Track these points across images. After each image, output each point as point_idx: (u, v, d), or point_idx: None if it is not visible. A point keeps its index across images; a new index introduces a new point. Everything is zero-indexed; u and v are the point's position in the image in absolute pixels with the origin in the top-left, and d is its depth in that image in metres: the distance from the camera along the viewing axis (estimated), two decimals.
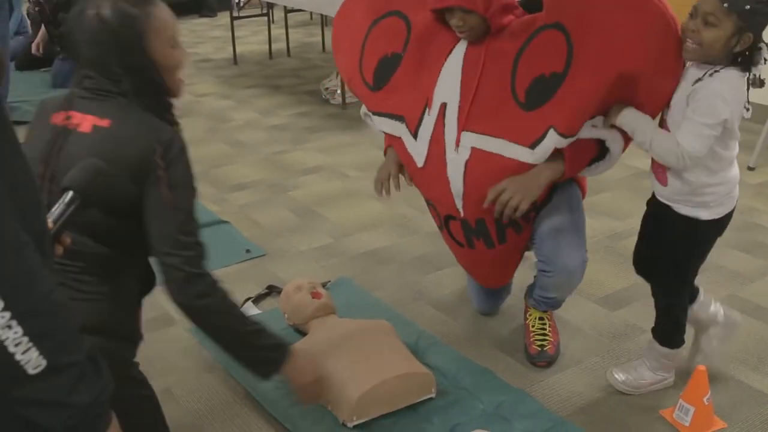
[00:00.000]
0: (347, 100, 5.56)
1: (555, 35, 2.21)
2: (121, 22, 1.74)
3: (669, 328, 2.42)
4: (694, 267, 2.35)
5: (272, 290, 3.10)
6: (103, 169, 1.42)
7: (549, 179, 2.30)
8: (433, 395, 2.39)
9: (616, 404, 2.44)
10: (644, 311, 2.93)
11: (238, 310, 1.88)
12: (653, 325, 2.45)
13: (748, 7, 1.92)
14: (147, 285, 1.99)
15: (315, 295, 2.68)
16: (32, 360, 0.97)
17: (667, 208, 2.22)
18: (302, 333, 2.72)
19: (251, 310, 2.95)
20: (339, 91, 5.66)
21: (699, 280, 2.44)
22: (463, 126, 2.34)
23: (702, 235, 2.26)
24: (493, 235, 2.46)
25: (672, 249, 2.28)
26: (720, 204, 2.18)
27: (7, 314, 0.95)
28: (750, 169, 4.31)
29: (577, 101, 2.19)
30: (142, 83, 1.80)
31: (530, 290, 2.69)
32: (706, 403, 2.28)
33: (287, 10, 7.17)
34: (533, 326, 2.68)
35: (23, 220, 1.01)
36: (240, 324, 1.88)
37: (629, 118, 2.14)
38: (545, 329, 2.67)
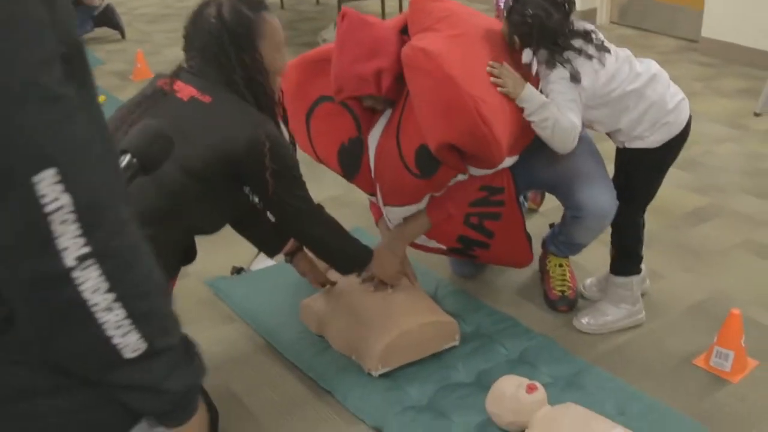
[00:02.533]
0: None
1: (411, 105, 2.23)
2: (238, 21, 1.90)
3: (622, 254, 2.50)
4: (644, 193, 2.44)
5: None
6: (162, 132, 1.36)
7: (413, 235, 2.48)
8: (456, 343, 2.38)
9: (641, 349, 2.43)
10: (660, 255, 2.93)
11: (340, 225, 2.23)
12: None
13: (523, 30, 2.21)
14: (187, 257, 2.09)
15: None
16: (131, 343, 0.91)
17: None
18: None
19: (266, 261, 2.92)
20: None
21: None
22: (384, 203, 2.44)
23: (645, 162, 2.36)
24: (478, 238, 2.50)
25: (619, 176, 2.44)
26: (651, 135, 2.29)
27: (110, 296, 0.88)
28: (756, 115, 4.27)
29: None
30: (250, 79, 1.94)
31: (551, 238, 2.66)
32: (744, 346, 2.28)
33: None
34: (553, 272, 2.66)
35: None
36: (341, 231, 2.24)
37: (534, 94, 2.21)
38: (565, 275, 2.66)
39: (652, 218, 3.15)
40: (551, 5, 2.22)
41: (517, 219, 2.48)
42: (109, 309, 0.88)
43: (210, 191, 1.90)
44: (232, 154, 1.86)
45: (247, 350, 2.47)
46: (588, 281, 2.72)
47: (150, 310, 0.92)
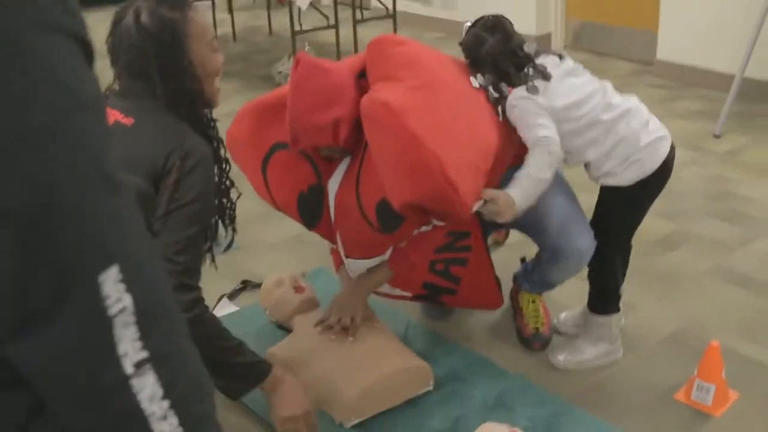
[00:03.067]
0: None
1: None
2: (160, 26, 1.71)
3: (600, 294, 2.43)
4: (620, 232, 2.36)
5: (247, 285, 2.95)
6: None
7: (375, 286, 2.38)
8: (430, 388, 2.29)
9: (620, 385, 2.37)
10: (631, 284, 2.86)
11: (221, 328, 1.90)
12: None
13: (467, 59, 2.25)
14: None
15: (298, 289, 2.55)
16: None
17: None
18: (285, 329, 2.59)
19: (228, 307, 2.81)
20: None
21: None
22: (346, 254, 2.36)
23: (620, 200, 2.29)
24: (445, 284, 2.43)
25: (597, 213, 2.37)
26: (623, 172, 2.21)
27: (166, 403, 0.79)
28: (716, 137, 4.28)
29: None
30: (179, 91, 1.77)
31: (523, 275, 2.59)
32: (724, 378, 2.22)
33: None
34: (526, 309, 2.59)
35: None
36: (221, 339, 1.89)
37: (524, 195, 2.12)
38: (538, 311, 2.58)
39: None
40: (486, 30, 2.21)
41: (484, 264, 2.41)
42: (164, 418, 0.79)
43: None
44: (155, 175, 1.69)
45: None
46: (562, 316, 2.66)
47: (201, 415, 0.84)
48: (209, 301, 2.78)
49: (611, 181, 2.24)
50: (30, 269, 0.71)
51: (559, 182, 2.35)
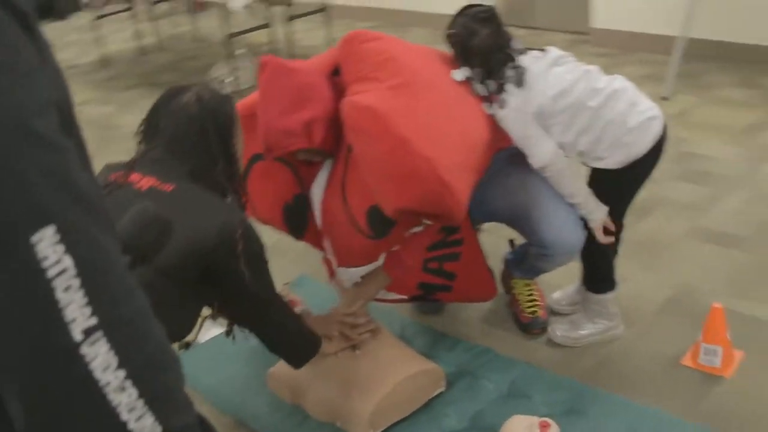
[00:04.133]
0: (242, 86, 5.27)
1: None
2: (222, 105, 1.78)
3: (594, 274, 2.42)
4: (612, 212, 2.30)
5: None
6: (159, 216, 1.18)
7: (373, 293, 2.32)
8: (443, 389, 2.23)
9: (626, 359, 2.36)
10: (625, 262, 2.86)
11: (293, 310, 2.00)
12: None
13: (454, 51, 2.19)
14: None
15: (291, 302, 2.46)
16: (146, 428, 0.76)
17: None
18: None
19: (212, 328, 2.70)
20: (229, 79, 5.35)
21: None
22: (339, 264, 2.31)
23: (610, 182, 2.25)
24: (440, 282, 2.38)
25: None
26: (611, 155, 2.17)
27: (122, 373, 0.73)
28: (665, 99, 4.33)
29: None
30: (231, 169, 1.79)
31: (514, 264, 2.55)
32: (729, 339, 2.23)
33: (153, 1, 6.75)
34: (521, 295, 2.56)
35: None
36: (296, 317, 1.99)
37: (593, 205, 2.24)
38: (533, 295, 2.55)
39: None
40: (477, 22, 2.13)
41: (477, 255, 2.36)
42: (121, 389, 0.74)
43: (182, 293, 1.68)
44: (203, 247, 1.64)
45: None
46: (556, 295, 2.64)
47: (164, 388, 0.79)
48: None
49: (600, 165, 2.20)
50: None
51: (522, 170, 2.28)
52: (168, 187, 1.69)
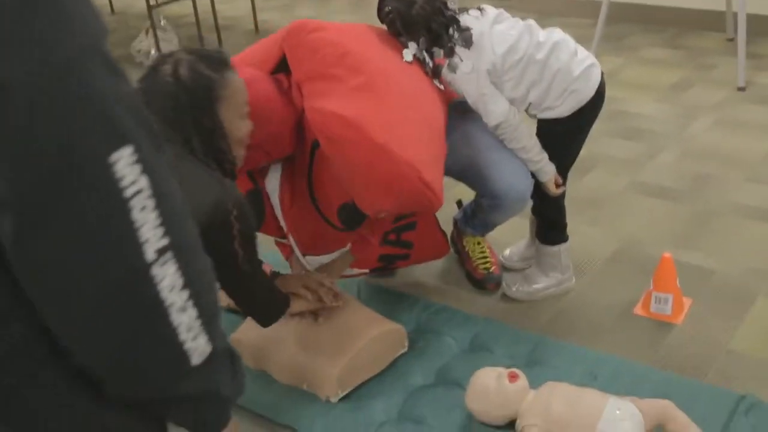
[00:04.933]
0: None
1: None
2: (196, 81, 1.69)
3: (547, 226, 2.47)
4: (562, 162, 2.35)
5: None
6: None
7: (339, 275, 2.32)
8: (405, 349, 2.24)
9: (581, 310, 2.41)
10: (570, 217, 2.91)
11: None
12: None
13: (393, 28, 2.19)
14: None
15: None
16: (200, 347, 0.78)
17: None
18: (237, 312, 2.46)
19: None
20: (153, 51, 5.21)
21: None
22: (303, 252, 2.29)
23: (559, 132, 2.28)
24: (399, 252, 2.39)
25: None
26: (561, 104, 2.21)
27: (185, 293, 0.75)
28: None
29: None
30: (210, 146, 1.71)
31: (463, 220, 2.56)
32: (679, 287, 2.30)
33: None
34: (473, 251, 2.58)
35: None
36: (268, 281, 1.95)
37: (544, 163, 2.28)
38: (485, 252, 2.58)
39: None
40: None
41: (432, 221, 2.37)
42: (183, 309, 0.76)
43: None
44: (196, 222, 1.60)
45: None
46: (507, 252, 2.67)
47: (215, 308, 0.82)
48: None
49: (550, 114, 2.23)
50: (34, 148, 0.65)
51: (476, 121, 2.30)
52: None
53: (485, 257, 2.57)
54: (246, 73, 1.87)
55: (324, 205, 2.03)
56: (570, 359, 2.15)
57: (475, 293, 2.55)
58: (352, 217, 1.99)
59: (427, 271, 2.68)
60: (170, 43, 5.36)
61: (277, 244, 2.45)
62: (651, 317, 2.34)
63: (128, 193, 0.69)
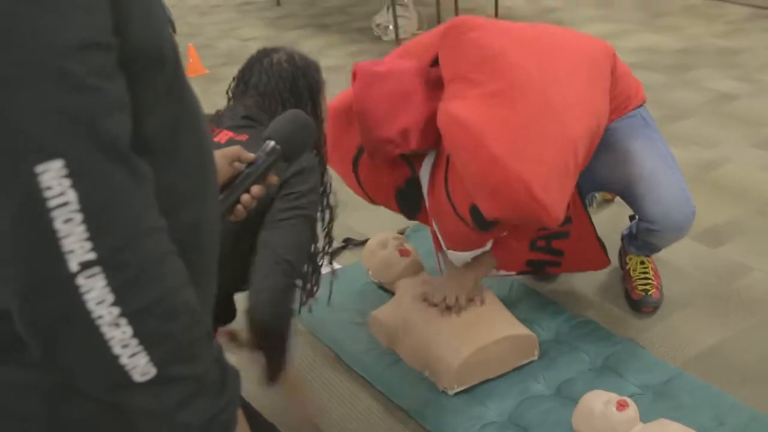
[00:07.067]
0: (401, 36, 5.32)
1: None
2: (310, 67, 1.92)
3: None
4: None
5: (349, 243, 2.95)
6: (307, 122, 1.41)
7: (483, 275, 2.30)
8: (535, 358, 2.24)
9: (736, 351, 2.26)
10: (748, 245, 2.74)
11: None
12: None
13: None
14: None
15: (403, 252, 2.52)
16: (139, 366, 0.81)
17: None
18: (387, 290, 2.58)
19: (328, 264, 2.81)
20: (391, 27, 5.42)
21: None
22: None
23: None
24: (548, 258, 2.37)
25: None
26: None
27: (117, 310, 0.78)
28: None
29: None
30: (316, 123, 1.86)
31: (630, 237, 2.49)
32: None
33: None
34: (634, 270, 2.50)
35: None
36: None
37: None
38: (648, 273, 2.49)
39: (736, 205, 2.99)
40: None
41: (587, 232, 2.32)
42: (115, 324, 0.79)
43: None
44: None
45: (315, 363, 2.37)
46: None
47: (164, 333, 0.83)
48: None
49: None
50: None
51: (652, 139, 2.22)
52: (243, 137, 1.79)
53: (647, 278, 2.48)
54: (387, 68, 1.97)
55: (458, 204, 2.06)
56: (702, 400, 2.04)
57: (630, 314, 2.47)
58: (481, 218, 2.01)
59: (586, 282, 2.63)
60: (409, 20, 5.53)
61: (432, 234, 2.52)
62: None
63: (52, 204, 0.74)
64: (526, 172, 1.82)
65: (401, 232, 2.90)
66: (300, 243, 1.78)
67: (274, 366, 1.79)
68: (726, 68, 4.44)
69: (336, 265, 2.78)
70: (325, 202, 1.98)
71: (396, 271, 2.49)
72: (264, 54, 1.93)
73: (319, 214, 1.92)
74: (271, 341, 1.75)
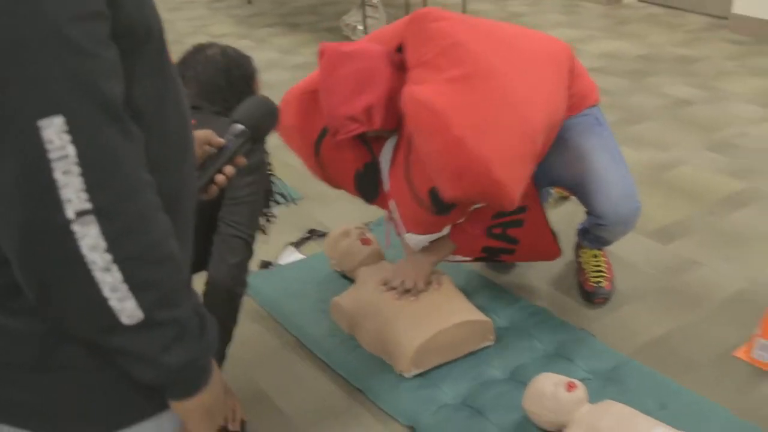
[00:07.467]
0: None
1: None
2: (242, 59, 2.09)
3: None
4: None
5: (313, 234, 3.02)
6: (272, 107, 1.49)
7: (440, 259, 2.40)
8: (491, 343, 2.32)
9: (681, 341, 2.37)
10: (698, 243, 2.85)
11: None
12: None
13: None
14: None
15: (364, 241, 2.60)
16: (128, 309, 0.89)
17: None
18: (349, 279, 2.65)
19: (293, 254, 2.88)
20: (360, 27, 5.49)
21: None
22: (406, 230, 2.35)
23: None
24: (503, 246, 2.41)
25: None
26: None
27: (108, 257, 0.85)
28: None
29: None
30: None
31: (583, 231, 2.59)
32: None
33: None
34: (588, 263, 2.60)
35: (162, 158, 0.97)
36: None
37: None
38: (600, 265, 2.59)
39: (689, 204, 3.10)
40: None
41: (540, 221, 2.40)
42: (106, 269, 0.86)
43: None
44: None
45: (277, 348, 2.43)
46: None
47: (151, 280, 0.90)
48: (276, 249, 2.90)
49: None
50: None
51: (600, 135, 2.30)
52: (192, 121, 1.85)
53: (600, 271, 2.58)
54: (353, 48, 2.06)
55: (417, 187, 2.13)
56: (647, 385, 2.14)
57: (582, 305, 2.56)
58: (440, 200, 2.09)
59: (541, 275, 2.73)
60: (378, 21, 5.60)
61: (387, 219, 2.58)
62: (750, 362, 2.26)
63: (53, 155, 0.81)
64: (487, 155, 1.89)
65: (365, 224, 2.97)
66: (252, 213, 1.93)
67: (225, 337, 1.90)
68: (684, 75, 4.58)
69: (300, 255, 2.86)
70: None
71: (357, 259, 2.56)
72: (198, 49, 2.07)
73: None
74: (229, 307, 1.88)
